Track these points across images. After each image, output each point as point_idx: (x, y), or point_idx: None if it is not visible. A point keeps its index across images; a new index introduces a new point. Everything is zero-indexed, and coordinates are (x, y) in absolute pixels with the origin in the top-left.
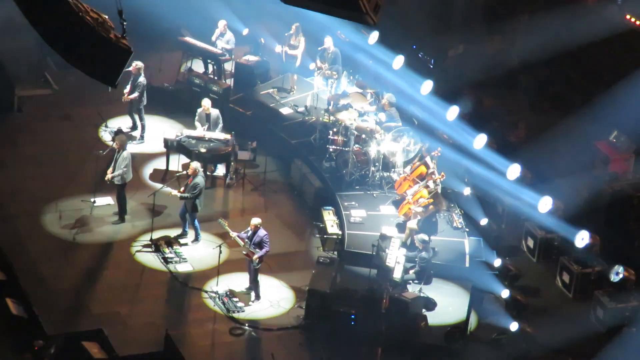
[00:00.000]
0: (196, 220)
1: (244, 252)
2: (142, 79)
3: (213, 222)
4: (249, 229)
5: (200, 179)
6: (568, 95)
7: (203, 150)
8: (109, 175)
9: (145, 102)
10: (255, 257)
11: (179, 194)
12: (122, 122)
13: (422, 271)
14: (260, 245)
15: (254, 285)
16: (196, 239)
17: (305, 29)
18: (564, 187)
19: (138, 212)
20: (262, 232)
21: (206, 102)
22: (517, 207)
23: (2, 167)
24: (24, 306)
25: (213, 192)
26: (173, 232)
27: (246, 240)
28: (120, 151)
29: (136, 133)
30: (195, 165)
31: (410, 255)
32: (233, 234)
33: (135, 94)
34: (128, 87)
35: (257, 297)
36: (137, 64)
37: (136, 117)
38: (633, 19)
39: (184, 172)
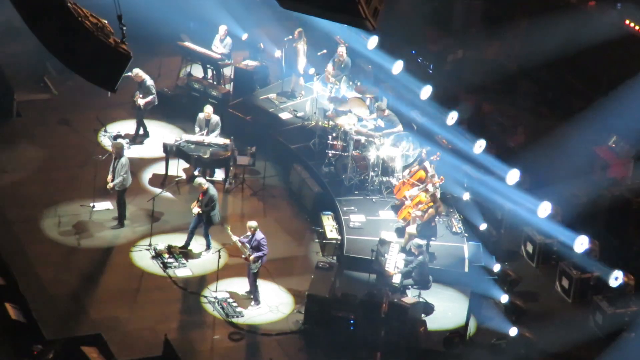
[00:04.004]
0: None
1: (243, 257)
2: (150, 82)
3: (212, 227)
4: (248, 233)
5: (212, 192)
6: (567, 100)
7: (202, 155)
8: (110, 184)
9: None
10: (251, 257)
11: (200, 211)
12: (121, 127)
13: (419, 275)
14: (258, 248)
15: (253, 290)
16: (207, 248)
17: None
18: (563, 192)
19: (137, 217)
20: (259, 235)
21: (208, 109)
22: (516, 212)
23: (1, 172)
24: (23, 311)
25: None
26: (172, 238)
27: (246, 244)
28: (117, 158)
29: (129, 136)
30: (200, 181)
31: (409, 260)
32: (234, 238)
33: (151, 98)
34: (137, 94)
35: (257, 301)
36: (137, 71)
37: (139, 121)
38: (632, 24)
39: (184, 178)
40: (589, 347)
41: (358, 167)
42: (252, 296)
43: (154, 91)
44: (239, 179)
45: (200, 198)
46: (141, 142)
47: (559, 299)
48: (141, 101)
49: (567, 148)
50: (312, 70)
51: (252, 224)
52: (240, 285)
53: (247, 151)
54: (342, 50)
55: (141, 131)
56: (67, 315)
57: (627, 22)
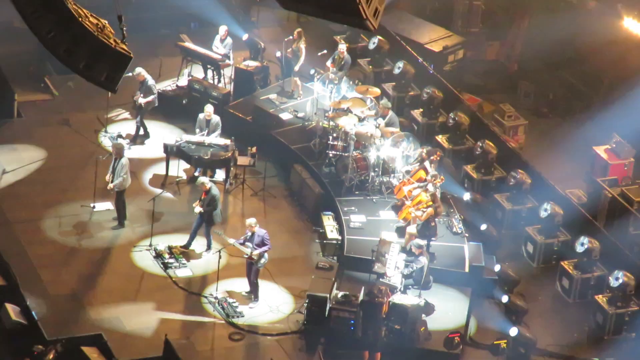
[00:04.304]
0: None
1: (245, 256)
2: (151, 82)
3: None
4: (247, 232)
5: (215, 192)
6: (567, 100)
7: (203, 155)
8: (110, 185)
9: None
10: (255, 253)
11: (202, 210)
12: (122, 128)
13: (419, 275)
14: (262, 244)
15: (254, 287)
16: (208, 248)
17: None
18: (563, 192)
19: (137, 217)
20: (261, 231)
21: (209, 108)
22: (516, 211)
23: (1, 172)
24: (23, 311)
25: None
26: (172, 238)
27: (247, 244)
28: (117, 159)
29: (129, 136)
30: (203, 180)
31: (409, 260)
32: (231, 241)
33: (151, 98)
34: (138, 94)
35: (256, 298)
36: (140, 71)
37: (139, 121)
38: (632, 24)
39: (184, 179)
40: (589, 347)
41: (358, 168)
42: (252, 295)
43: (155, 91)
44: (240, 180)
45: (202, 197)
46: (142, 143)
47: (559, 299)
48: (142, 100)
49: (567, 148)
50: (312, 71)
51: (251, 221)
52: (241, 285)
53: (248, 151)
54: (342, 47)
55: (141, 131)
56: (68, 315)
57: (627, 22)
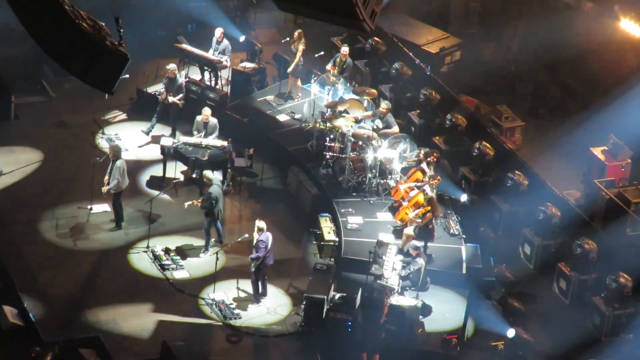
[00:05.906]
0: (210, 230)
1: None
2: (182, 81)
3: (213, 230)
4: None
5: (213, 189)
6: (564, 101)
7: (200, 157)
8: (105, 188)
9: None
10: (248, 257)
11: (193, 203)
12: (119, 130)
13: (416, 276)
14: (256, 248)
15: (253, 289)
16: (206, 250)
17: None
18: (560, 193)
19: (135, 219)
20: (261, 237)
21: (207, 111)
22: (514, 213)
23: None
24: (20, 313)
25: None
26: (169, 239)
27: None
28: (114, 160)
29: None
30: (208, 175)
31: (407, 261)
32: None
33: (180, 96)
34: (164, 92)
35: (257, 301)
36: (173, 67)
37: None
38: (629, 26)
39: (182, 180)
40: (586, 349)
41: (355, 169)
42: (254, 296)
43: (184, 90)
44: (237, 181)
45: (204, 192)
46: (146, 133)
47: (556, 301)
48: (172, 99)
49: (564, 149)
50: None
51: (258, 224)
52: (238, 286)
53: (245, 153)
54: (345, 50)
55: (145, 129)
56: (65, 317)
57: (624, 23)
